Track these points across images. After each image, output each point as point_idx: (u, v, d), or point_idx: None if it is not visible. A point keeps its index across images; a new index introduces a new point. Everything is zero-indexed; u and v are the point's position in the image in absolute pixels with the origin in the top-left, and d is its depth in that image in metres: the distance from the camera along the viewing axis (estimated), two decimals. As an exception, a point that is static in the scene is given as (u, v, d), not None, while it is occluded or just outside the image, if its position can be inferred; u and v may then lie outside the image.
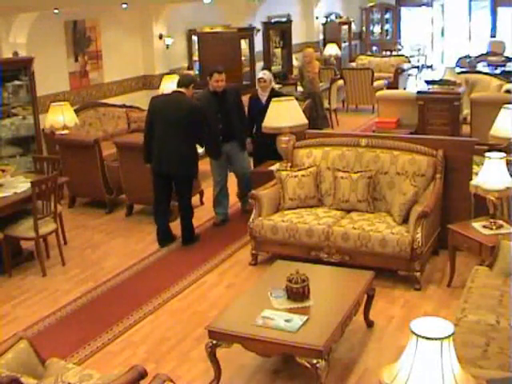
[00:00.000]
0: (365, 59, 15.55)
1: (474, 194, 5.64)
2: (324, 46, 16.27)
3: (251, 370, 4.51)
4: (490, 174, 5.28)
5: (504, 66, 14.56)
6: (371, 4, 19.61)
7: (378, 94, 10.97)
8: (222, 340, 4.19)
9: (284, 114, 6.98)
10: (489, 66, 14.73)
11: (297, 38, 15.24)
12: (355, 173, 6.13)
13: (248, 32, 12.35)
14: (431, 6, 20.01)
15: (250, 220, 6.19)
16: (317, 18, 16.65)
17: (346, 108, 13.79)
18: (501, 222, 5.44)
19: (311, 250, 5.92)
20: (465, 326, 3.82)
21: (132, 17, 10.84)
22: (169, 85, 10.45)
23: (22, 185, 6.46)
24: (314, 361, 3.90)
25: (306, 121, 7.14)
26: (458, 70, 12.33)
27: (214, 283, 5.99)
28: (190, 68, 12.42)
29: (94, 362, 4.70)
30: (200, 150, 7.12)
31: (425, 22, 20.10)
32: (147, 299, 5.68)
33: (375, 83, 13.37)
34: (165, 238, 6.88)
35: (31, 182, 6.12)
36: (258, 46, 13.44)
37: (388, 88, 13.08)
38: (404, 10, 20.17)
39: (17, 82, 8.30)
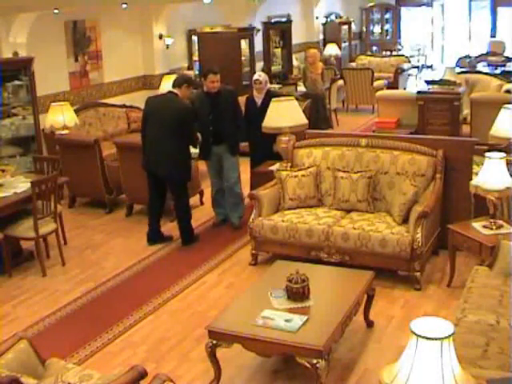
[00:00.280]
0: (365, 59, 15.55)
1: (474, 194, 5.64)
2: (324, 46, 16.27)
3: (251, 370, 4.51)
4: (490, 174, 5.28)
5: (504, 66, 14.56)
6: (371, 4, 19.61)
7: (378, 93, 10.98)
8: (222, 340, 4.19)
9: (284, 114, 6.97)
10: (489, 66, 14.73)
11: (297, 38, 15.24)
12: (355, 173, 6.13)
13: (248, 32, 12.35)
14: (431, 6, 20.01)
15: (250, 220, 6.19)
16: (317, 17, 16.65)
17: (346, 108, 13.79)
18: (501, 222, 5.44)
19: (311, 250, 5.92)
20: (465, 325, 3.82)
21: (132, 17, 10.84)
22: (169, 85, 10.45)
23: (22, 185, 6.46)
24: (314, 361, 3.90)
25: (305, 121, 7.13)
26: (458, 69, 12.34)
27: (214, 283, 5.99)
28: (190, 68, 12.42)
29: (93, 362, 4.70)
30: (195, 150, 7.12)
31: (425, 22, 20.10)
32: (147, 299, 5.69)
33: (375, 83, 13.37)
34: (153, 237, 6.91)
35: (31, 182, 6.12)
36: (258, 46, 13.44)
37: (388, 88, 13.08)
38: (404, 10, 20.17)
39: (17, 82, 8.30)
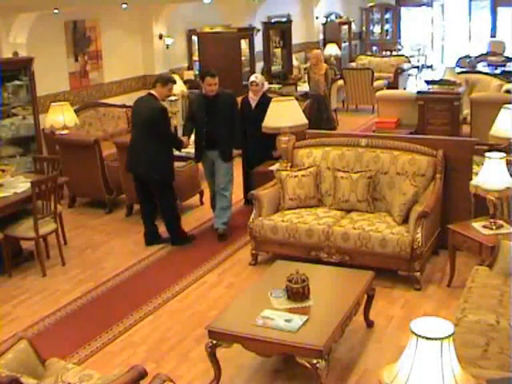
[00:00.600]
0: (365, 59, 15.55)
1: (474, 194, 5.64)
2: (324, 45, 16.26)
3: (251, 370, 4.51)
4: (490, 174, 5.28)
5: (504, 66, 14.56)
6: (371, 4, 19.60)
7: (378, 93, 10.98)
8: (222, 340, 4.19)
9: (284, 114, 6.97)
10: (489, 66, 14.73)
11: (297, 38, 15.24)
12: (355, 173, 6.13)
13: (248, 32, 12.35)
14: (431, 6, 20.01)
15: (250, 220, 6.19)
16: (317, 17, 16.65)
17: (346, 108, 13.79)
18: (501, 222, 5.44)
19: (311, 250, 5.92)
20: (465, 325, 3.82)
21: (132, 17, 10.84)
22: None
23: (22, 185, 6.46)
24: (314, 361, 3.90)
25: (305, 121, 7.13)
26: (458, 69, 12.35)
27: (214, 283, 5.99)
28: (190, 68, 12.43)
29: (93, 362, 4.70)
30: (189, 150, 7.07)
31: (425, 22, 20.10)
32: (147, 299, 5.68)
33: (375, 83, 13.37)
34: (150, 238, 6.90)
35: (31, 182, 6.12)
36: (258, 46, 13.44)
37: (388, 88, 13.08)
38: (404, 10, 20.17)
39: (17, 82, 8.30)
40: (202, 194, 8.06)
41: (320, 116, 10.25)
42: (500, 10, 18.84)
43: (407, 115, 9.97)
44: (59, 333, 5.22)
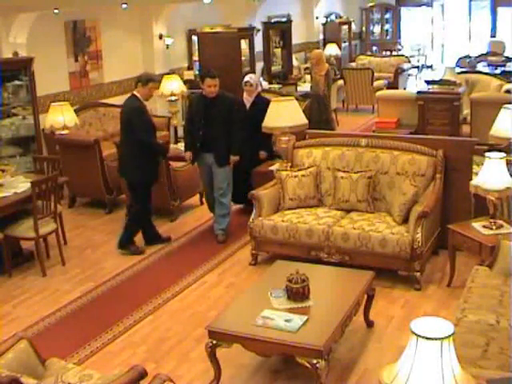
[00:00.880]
0: (365, 59, 15.55)
1: (474, 194, 5.64)
2: (324, 45, 16.25)
3: (251, 370, 4.51)
4: (489, 174, 5.28)
5: (504, 66, 14.55)
6: (371, 4, 19.60)
7: (378, 93, 10.97)
8: (222, 340, 4.19)
9: (284, 114, 6.97)
10: (489, 66, 14.72)
11: (297, 38, 15.23)
12: (355, 173, 6.13)
13: (248, 32, 12.32)
14: (431, 6, 20.00)
15: (250, 220, 6.20)
16: (317, 17, 16.64)
17: (346, 108, 13.79)
18: (501, 222, 5.44)
19: (311, 250, 5.92)
20: (465, 325, 3.82)
21: (132, 17, 10.83)
22: (169, 85, 10.48)
23: (22, 185, 6.46)
24: (314, 361, 3.90)
25: (305, 121, 7.13)
26: (458, 69, 12.34)
27: (214, 283, 5.99)
28: (190, 68, 12.42)
29: (93, 362, 4.70)
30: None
31: (425, 22, 20.10)
32: (147, 299, 5.69)
33: (375, 83, 13.37)
34: (148, 238, 6.87)
35: (31, 182, 6.12)
36: (258, 46, 13.42)
37: (388, 88, 13.07)
38: (404, 10, 20.16)
39: (17, 82, 8.30)
40: (201, 194, 8.05)
41: (319, 116, 10.22)
42: (500, 10, 18.83)
43: (407, 115, 9.97)
44: (59, 333, 5.22)
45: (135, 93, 6.55)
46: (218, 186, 6.87)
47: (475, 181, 5.46)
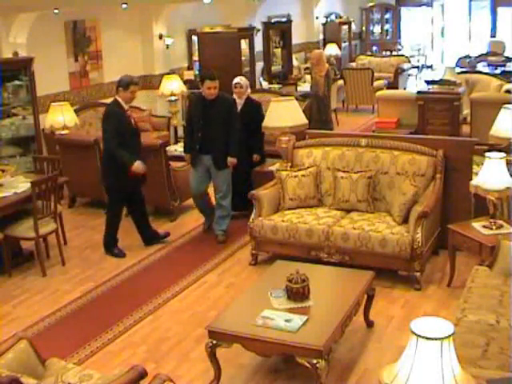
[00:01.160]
0: (365, 59, 15.55)
1: (474, 194, 5.64)
2: (324, 46, 16.25)
3: (251, 370, 4.51)
4: (489, 174, 5.28)
5: (504, 66, 14.56)
6: (371, 4, 19.60)
7: (378, 94, 10.98)
8: (222, 340, 4.19)
9: (284, 114, 6.97)
10: (489, 66, 14.72)
11: (297, 38, 15.24)
12: (355, 173, 6.13)
13: (248, 32, 12.34)
14: (431, 6, 20.00)
15: (250, 220, 6.20)
16: (317, 18, 16.64)
17: (346, 108, 13.79)
18: (501, 222, 5.44)
19: (311, 250, 5.92)
20: (465, 325, 3.82)
21: (132, 17, 10.84)
22: (169, 85, 10.48)
23: (22, 185, 6.46)
24: (314, 361, 3.90)
25: (305, 121, 7.13)
26: (458, 69, 12.34)
27: (214, 283, 5.99)
28: (190, 68, 12.42)
29: (93, 362, 4.70)
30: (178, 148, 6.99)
31: (425, 21, 20.10)
32: (147, 299, 5.68)
33: (375, 83, 13.37)
34: (146, 239, 6.88)
35: (31, 182, 6.12)
36: (258, 46, 13.43)
37: (388, 88, 13.08)
38: (404, 10, 20.16)
39: (17, 82, 8.31)
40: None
41: (320, 117, 10.21)
42: (500, 10, 18.84)
43: (407, 115, 9.97)
44: (59, 333, 5.22)
45: (117, 97, 6.45)
46: (218, 188, 6.85)
47: (475, 181, 5.46)
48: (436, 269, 5.97)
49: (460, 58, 15.69)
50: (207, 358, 4.25)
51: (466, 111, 9.92)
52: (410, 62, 15.50)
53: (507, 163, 5.33)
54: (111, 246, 6.73)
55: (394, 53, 17.21)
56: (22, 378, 3.15)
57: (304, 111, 7.68)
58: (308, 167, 6.42)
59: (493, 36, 18.67)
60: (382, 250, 5.59)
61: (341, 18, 17.90)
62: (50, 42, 9.34)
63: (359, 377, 4.39)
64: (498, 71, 13.51)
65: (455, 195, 6.13)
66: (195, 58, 12.24)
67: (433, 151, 6.10)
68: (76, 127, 8.49)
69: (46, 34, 9.22)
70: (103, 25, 10.36)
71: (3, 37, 8.47)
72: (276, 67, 14.21)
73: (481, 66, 14.73)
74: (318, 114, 10.21)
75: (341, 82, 13.14)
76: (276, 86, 12.94)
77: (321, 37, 16.89)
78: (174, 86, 10.46)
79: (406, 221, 5.75)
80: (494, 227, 5.35)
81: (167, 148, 7.98)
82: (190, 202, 7.94)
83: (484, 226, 5.40)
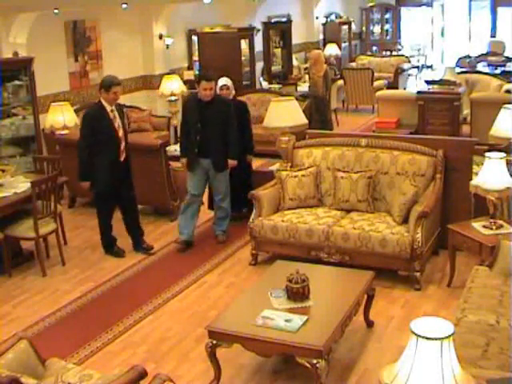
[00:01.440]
0: (365, 59, 15.55)
1: (474, 194, 5.64)
2: (324, 45, 16.26)
3: (251, 370, 4.51)
4: (489, 174, 5.28)
5: (504, 66, 14.56)
6: (371, 4, 19.60)
7: (378, 93, 10.98)
8: (222, 340, 4.19)
9: (284, 114, 6.97)
10: (489, 66, 14.73)
11: (297, 38, 15.24)
12: (355, 173, 6.13)
13: (248, 32, 12.35)
14: (431, 6, 20.01)
15: (250, 220, 6.20)
16: (317, 18, 16.65)
17: (346, 108, 13.79)
18: (501, 222, 5.44)
19: (311, 250, 5.92)
20: (465, 325, 3.82)
21: (132, 17, 10.84)
22: (169, 85, 10.48)
23: (22, 185, 6.46)
24: (314, 361, 3.90)
25: (305, 121, 7.13)
26: (458, 69, 12.35)
27: (214, 283, 5.99)
28: (190, 68, 12.42)
29: (93, 362, 4.70)
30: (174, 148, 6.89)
31: (425, 22, 20.10)
32: (147, 299, 5.68)
33: (375, 83, 13.37)
34: (135, 246, 6.80)
35: (31, 182, 6.12)
36: (258, 45, 13.43)
37: (388, 88, 13.08)
38: (404, 10, 20.16)
39: (17, 82, 8.30)
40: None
41: (317, 117, 10.20)
42: (500, 10, 18.84)
43: (407, 115, 9.98)
44: (59, 333, 5.22)
45: (100, 99, 6.39)
46: (217, 190, 6.79)
47: (475, 181, 5.46)
48: (436, 269, 5.97)
49: (460, 58, 15.69)
50: (207, 357, 4.25)
51: (466, 111, 9.92)
52: (410, 61, 15.51)
53: (507, 163, 5.33)
54: (110, 246, 6.73)
55: (394, 53, 17.23)
56: (22, 378, 3.15)
57: (304, 111, 7.69)
58: (308, 167, 6.42)
59: (493, 36, 18.68)
60: (382, 250, 5.59)
61: (341, 17, 17.91)
62: (49, 42, 9.34)
63: (359, 377, 4.39)
64: (498, 71, 13.51)
65: (455, 195, 6.13)
66: (195, 58, 12.25)
67: (433, 151, 6.10)
68: (76, 127, 8.46)
69: (46, 34, 9.22)
70: (103, 25, 10.36)
71: (3, 37, 8.47)
72: (276, 67, 14.21)
73: (481, 66, 14.74)
74: (317, 114, 10.22)
75: (341, 82, 13.14)
76: (276, 86, 12.94)
77: (321, 37, 16.90)
78: (174, 86, 10.47)
79: (406, 221, 5.75)
80: (493, 227, 5.35)
81: (167, 148, 7.97)
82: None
83: (484, 226, 5.40)
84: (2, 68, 8.00)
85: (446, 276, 5.73)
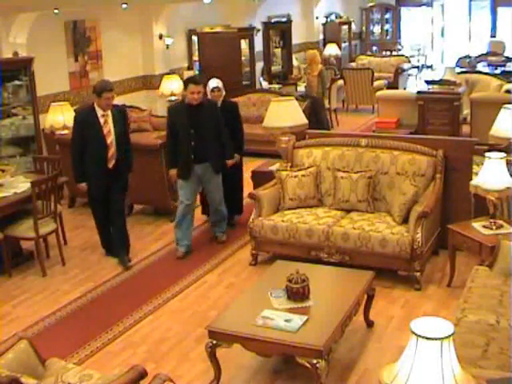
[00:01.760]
0: (365, 59, 15.56)
1: (474, 194, 5.64)
2: (324, 46, 16.27)
3: (251, 370, 4.51)
4: (489, 174, 5.28)
5: (504, 66, 14.56)
6: (371, 4, 19.61)
7: (378, 93, 10.98)
8: (222, 340, 4.19)
9: (284, 114, 6.97)
10: (489, 66, 14.73)
11: (297, 38, 15.25)
12: (355, 173, 6.13)
13: (248, 32, 12.36)
14: (431, 6, 20.01)
15: (250, 220, 6.19)
16: (317, 18, 16.66)
17: (346, 108, 13.79)
18: (501, 222, 5.44)
19: (311, 250, 5.92)
20: (465, 325, 3.82)
21: (132, 17, 10.84)
22: (169, 84, 10.48)
23: (22, 185, 6.46)
24: (314, 361, 3.90)
25: (305, 121, 7.13)
26: (458, 69, 12.35)
27: (214, 283, 5.99)
28: (190, 68, 12.43)
29: (93, 362, 4.70)
30: None
31: (425, 22, 20.10)
32: (147, 299, 5.69)
33: (375, 83, 13.37)
34: (111, 249, 6.71)
35: (31, 182, 6.12)
36: (258, 45, 13.45)
37: (388, 88, 13.08)
38: (404, 10, 20.17)
39: (17, 82, 8.31)
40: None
41: (315, 117, 10.17)
42: (500, 9, 18.84)
43: (407, 115, 9.97)
44: (59, 333, 5.22)
45: (94, 103, 6.31)
46: (215, 194, 6.67)
47: (475, 181, 5.46)
48: (436, 269, 5.97)
49: (460, 58, 15.69)
50: (207, 358, 4.25)
51: (466, 111, 9.92)
52: (410, 61, 15.51)
53: (507, 163, 5.33)
54: (109, 246, 6.72)
55: (394, 53, 17.23)
56: (22, 378, 3.15)
57: (304, 111, 7.68)
58: (308, 167, 6.42)
59: (493, 36, 18.68)
60: (382, 249, 5.59)
61: (341, 17, 17.92)
62: (49, 42, 9.34)
63: (359, 377, 4.39)
64: (498, 71, 13.51)
65: (455, 195, 6.13)
66: (195, 58, 12.26)
67: (433, 151, 6.10)
68: (76, 127, 8.48)
69: (45, 34, 9.22)
70: (103, 25, 10.36)
71: (3, 37, 8.47)
72: (276, 67, 14.22)
73: (481, 66, 14.74)
74: (313, 114, 10.21)
75: (341, 82, 13.15)
76: (276, 86, 12.95)
77: (321, 37, 16.90)
78: (174, 86, 10.47)
79: (406, 221, 5.75)
80: (494, 227, 5.35)
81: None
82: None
83: (484, 226, 5.40)
84: (2, 68, 8.00)
85: (446, 276, 5.73)
